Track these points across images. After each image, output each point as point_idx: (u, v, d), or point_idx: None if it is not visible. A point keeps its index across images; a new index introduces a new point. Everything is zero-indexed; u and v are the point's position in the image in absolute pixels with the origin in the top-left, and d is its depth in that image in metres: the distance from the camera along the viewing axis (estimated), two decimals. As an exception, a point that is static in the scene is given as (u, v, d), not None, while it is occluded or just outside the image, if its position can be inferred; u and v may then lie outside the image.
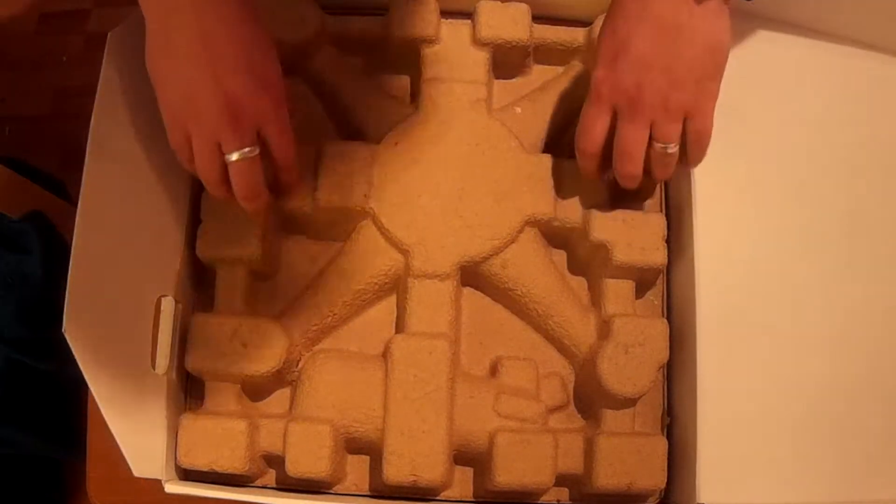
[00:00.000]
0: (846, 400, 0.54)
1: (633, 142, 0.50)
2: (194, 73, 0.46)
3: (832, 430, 0.53)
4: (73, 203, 0.51)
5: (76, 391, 0.82)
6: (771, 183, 0.57)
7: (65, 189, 0.99)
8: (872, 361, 0.55)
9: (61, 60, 1.27)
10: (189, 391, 0.56)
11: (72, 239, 0.51)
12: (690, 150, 0.51)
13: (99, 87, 0.53)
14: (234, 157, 0.47)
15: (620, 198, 0.57)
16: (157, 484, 0.50)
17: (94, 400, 0.49)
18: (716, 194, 0.55)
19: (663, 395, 0.57)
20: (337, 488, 0.55)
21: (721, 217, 0.55)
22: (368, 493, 0.55)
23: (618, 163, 0.51)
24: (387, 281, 0.56)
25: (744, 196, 0.56)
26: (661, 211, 0.59)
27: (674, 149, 0.50)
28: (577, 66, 0.61)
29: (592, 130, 0.51)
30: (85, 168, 0.52)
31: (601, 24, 0.52)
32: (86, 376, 0.49)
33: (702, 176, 0.55)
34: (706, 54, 0.48)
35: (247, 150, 0.48)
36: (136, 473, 0.50)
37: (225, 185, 0.49)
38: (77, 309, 0.50)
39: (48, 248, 0.85)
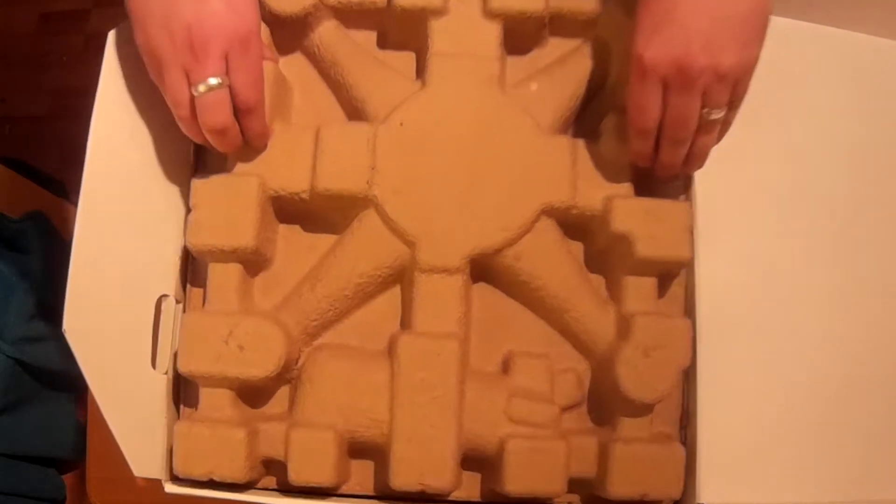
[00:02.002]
0: (847, 400, 0.54)
1: (687, 113, 0.48)
2: (166, 2, 0.46)
3: (833, 431, 0.53)
4: (73, 203, 0.51)
5: (76, 391, 0.82)
6: (772, 182, 0.57)
7: (65, 189, 0.99)
8: (873, 362, 0.54)
9: (61, 60, 1.27)
10: (182, 392, 0.54)
11: (72, 239, 0.51)
12: (728, 116, 0.49)
13: (99, 87, 0.53)
14: (200, 88, 0.47)
15: (645, 184, 0.53)
16: (157, 484, 0.50)
17: (94, 400, 0.49)
18: (716, 194, 0.55)
19: (683, 396, 0.54)
20: (340, 489, 0.53)
21: (721, 217, 0.55)
22: (373, 495, 0.54)
23: (669, 130, 0.49)
24: (391, 273, 0.53)
25: (744, 196, 0.56)
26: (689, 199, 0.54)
27: (719, 114, 0.48)
28: (597, 38, 0.56)
29: (647, 107, 0.48)
30: (85, 168, 0.52)
31: None
32: (86, 376, 0.49)
33: (702, 176, 0.55)
34: (751, 16, 0.46)
35: (213, 81, 0.47)
36: (136, 473, 0.50)
37: (196, 121, 0.49)
38: (77, 308, 0.50)
39: (48, 248, 0.85)
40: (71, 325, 0.49)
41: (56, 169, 1.01)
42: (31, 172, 0.95)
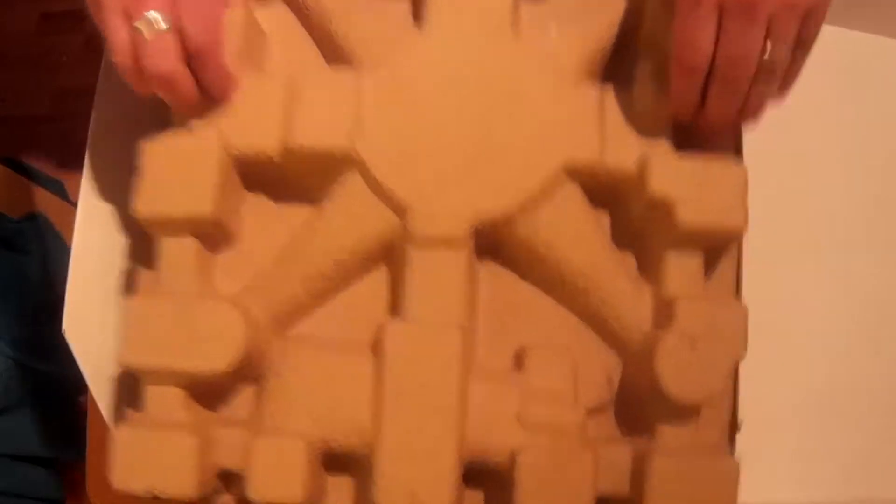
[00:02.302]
0: (849, 399, 0.54)
1: (746, 47, 0.39)
2: None
3: (834, 430, 0.53)
4: (73, 203, 0.51)
5: (76, 391, 0.83)
6: (771, 181, 0.56)
7: (65, 189, 0.99)
8: (877, 361, 0.55)
9: (61, 60, 1.27)
10: (128, 395, 0.47)
11: (72, 239, 0.51)
12: (795, 61, 0.40)
13: (98, 87, 0.53)
14: (140, 26, 0.40)
15: (687, 143, 0.45)
16: (157, 484, 0.50)
17: (94, 400, 0.49)
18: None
19: (735, 396, 0.46)
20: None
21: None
22: None
23: (722, 69, 0.40)
24: (379, 249, 0.45)
25: (756, 192, 0.56)
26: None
27: (787, 54, 0.39)
28: None
29: (697, 38, 0.39)
30: (85, 168, 0.52)
31: None
32: (85, 376, 0.49)
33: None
34: None
35: (153, 15, 0.40)
36: (136, 473, 0.50)
37: (141, 71, 0.42)
38: (77, 309, 0.50)
39: (48, 249, 0.85)
40: (71, 325, 0.49)
41: (56, 169, 1.01)
42: (31, 172, 0.95)
